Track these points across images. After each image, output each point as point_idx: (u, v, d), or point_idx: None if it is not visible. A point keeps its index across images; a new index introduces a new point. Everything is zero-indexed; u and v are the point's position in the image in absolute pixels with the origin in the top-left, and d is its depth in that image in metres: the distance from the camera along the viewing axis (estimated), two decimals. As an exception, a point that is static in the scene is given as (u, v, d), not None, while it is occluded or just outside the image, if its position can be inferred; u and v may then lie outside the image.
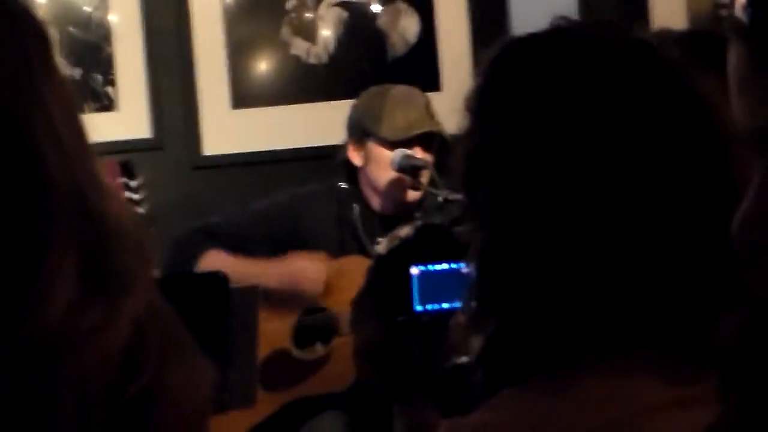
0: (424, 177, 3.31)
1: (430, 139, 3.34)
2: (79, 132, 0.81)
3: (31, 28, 0.81)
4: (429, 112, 3.37)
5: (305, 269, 3.29)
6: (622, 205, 1.10)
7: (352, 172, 3.43)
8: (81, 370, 0.74)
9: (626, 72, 1.13)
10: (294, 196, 3.45)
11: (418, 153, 3.31)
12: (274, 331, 3.28)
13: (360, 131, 3.40)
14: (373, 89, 3.49)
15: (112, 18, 4.09)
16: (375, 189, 3.39)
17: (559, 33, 1.19)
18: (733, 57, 0.76)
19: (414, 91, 3.48)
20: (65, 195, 0.77)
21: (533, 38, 1.19)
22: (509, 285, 1.13)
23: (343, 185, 3.43)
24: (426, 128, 3.32)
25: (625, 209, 1.10)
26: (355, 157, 3.41)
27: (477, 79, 1.20)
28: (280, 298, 3.28)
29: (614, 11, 3.91)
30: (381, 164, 3.35)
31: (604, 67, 1.13)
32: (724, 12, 3.93)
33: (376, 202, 3.40)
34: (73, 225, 0.77)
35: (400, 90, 3.47)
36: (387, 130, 3.34)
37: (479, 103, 1.18)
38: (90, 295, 0.76)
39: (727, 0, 3.93)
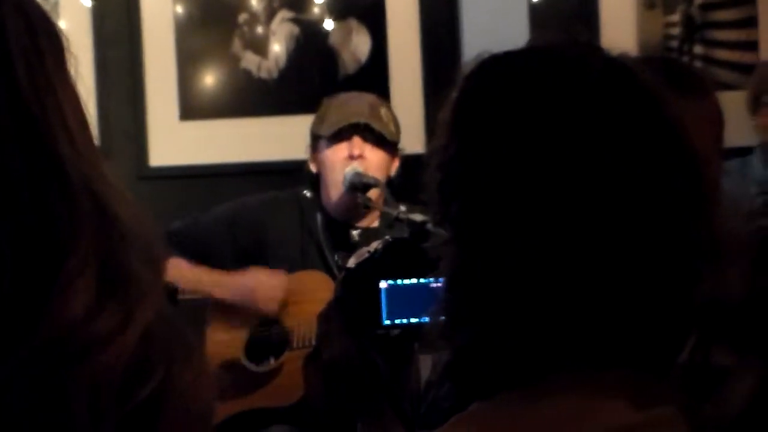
0: (375, 194, 3.28)
1: (383, 140, 3.31)
2: (89, 134, 0.81)
3: (45, 28, 0.81)
4: (373, 111, 3.33)
5: (262, 285, 3.28)
6: (596, 222, 1.09)
7: (315, 182, 3.40)
8: (95, 373, 0.74)
9: (602, 91, 1.13)
10: (259, 203, 3.42)
11: (356, 145, 3.27)
12: (228, 342, 3.28)
13: (312, 137, 3.39)
14: (328, 97, 3.48)
15: (62, 24, 4.05)
16: (330, 199, 3.36)
17: (537, 51, 1.19)
18: None
19: (363, 94, 3.47)
20: (81, 193, 0.77)
21: (510, 55, 1.19)
22: (480, 298, 1.12)
23: (308, 193, 3.41)
24: (362, 119, 3.28)
25: (598, 226, 1.09)
26: (313, 165, 3.39)
27: (453, 92, 1.19)
28: (234, 311, 3.28)
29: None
30: (330, 167, 3.32)
31: (580, 86, 1.13)
32: (674, 42, 3.98)
33: (334, 211, 3.37)
34: (91, 226, 0.76)
35: (348, 93, 3.48)
36: (326, 128, 3.33)
37: (454, 117, 1.18)
38: (105, 299, 0.76)
39: (677, 31, 3.99)
